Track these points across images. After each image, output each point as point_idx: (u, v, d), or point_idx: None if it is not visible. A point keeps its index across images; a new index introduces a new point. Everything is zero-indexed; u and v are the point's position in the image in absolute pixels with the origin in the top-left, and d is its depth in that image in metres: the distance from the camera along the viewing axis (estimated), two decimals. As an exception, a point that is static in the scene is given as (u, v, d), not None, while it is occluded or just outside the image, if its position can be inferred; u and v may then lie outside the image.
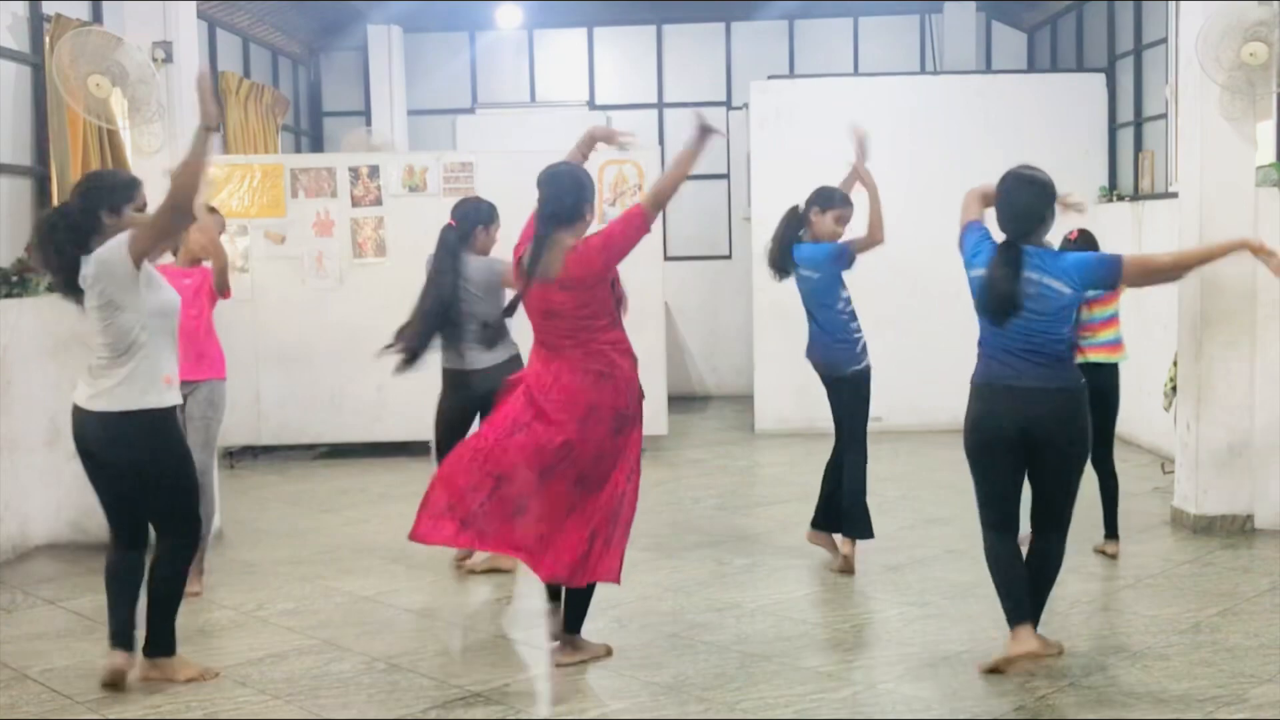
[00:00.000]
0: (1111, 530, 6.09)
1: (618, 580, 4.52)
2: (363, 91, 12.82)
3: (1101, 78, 10.34)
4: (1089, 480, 5.01)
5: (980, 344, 4.45)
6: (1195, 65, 6.45)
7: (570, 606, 4.68)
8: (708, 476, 8.57)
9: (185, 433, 4.82)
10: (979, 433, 4.40)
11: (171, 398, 4.36)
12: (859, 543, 5.87)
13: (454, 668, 4.68)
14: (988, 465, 4.40)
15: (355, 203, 9.22)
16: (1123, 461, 6.06)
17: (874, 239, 5.81)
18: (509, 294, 5.39)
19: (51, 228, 4.29)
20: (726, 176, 12.48)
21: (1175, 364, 6.89)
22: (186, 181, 4.12)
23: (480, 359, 5.93)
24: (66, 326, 6.72)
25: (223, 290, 5.69)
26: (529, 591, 5.75)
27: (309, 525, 7.24)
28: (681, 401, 9.97)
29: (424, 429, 9.42)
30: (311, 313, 9.21)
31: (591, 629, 5.12)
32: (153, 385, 4.28)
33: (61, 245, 4.25)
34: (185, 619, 5.33)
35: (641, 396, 4.60)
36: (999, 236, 4.53)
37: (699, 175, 12.65)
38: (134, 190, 4.38)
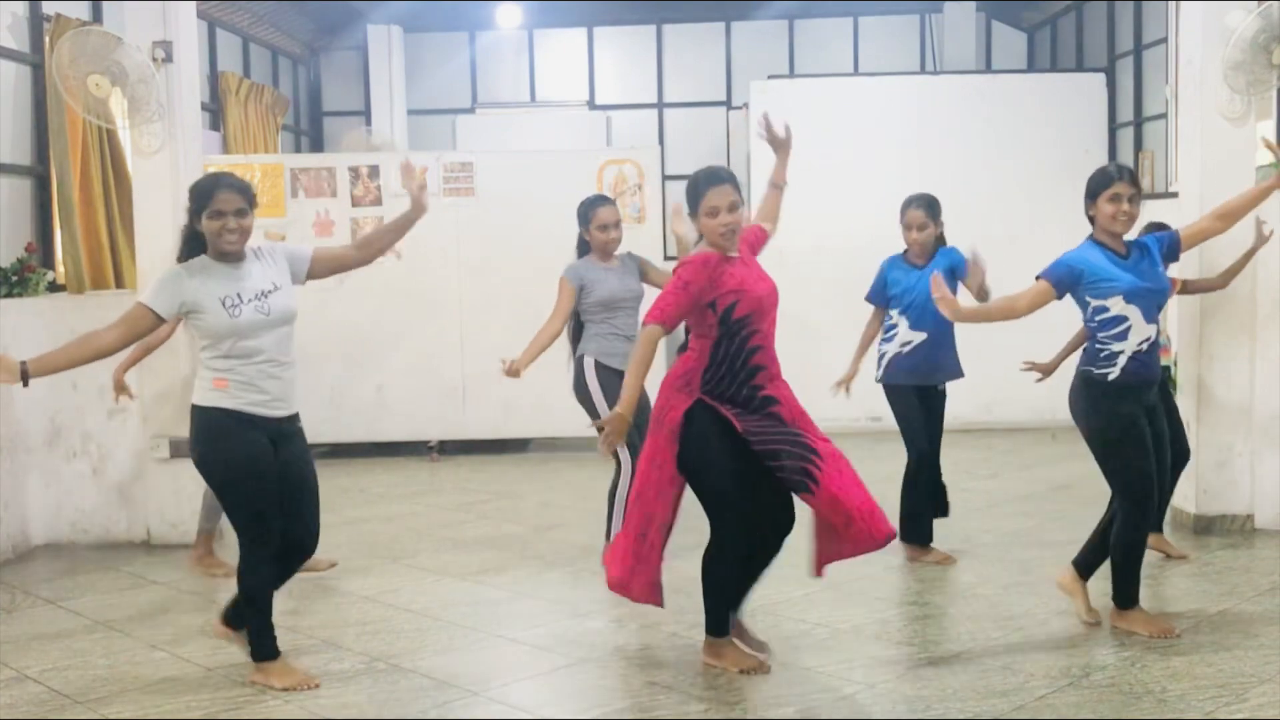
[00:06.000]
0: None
1: None
2: (363, 91, 12.83)
3: (1101, 78, 10.34)
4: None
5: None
6: (1195, 65, 6.45)
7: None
8: (708, 476, 8.54)
9: None
10: None
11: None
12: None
13: (454, 668, 4.68)
14: None
15: (355, 203, 9.23)
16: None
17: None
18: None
19: None
20: (726, 176, 12.46)
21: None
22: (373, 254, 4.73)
23: None
24: (67, 326, 6.73)
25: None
26: (529, 591, 5.75)
27: (309, 525, 7.22)
28: (681, 401, 9.97)
29: (424, 429, 9.51)
30: (311, 313, 9.11)
31: (592, 629, 5.13)
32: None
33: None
34: (186, 618, 5.36)
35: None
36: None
37: (699, 175, 12.70)
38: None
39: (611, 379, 5.91)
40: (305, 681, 4.43)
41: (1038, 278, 4.77)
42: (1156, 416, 4.94)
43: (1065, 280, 4.73)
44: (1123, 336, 4.70)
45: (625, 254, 6.18)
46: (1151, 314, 4.75)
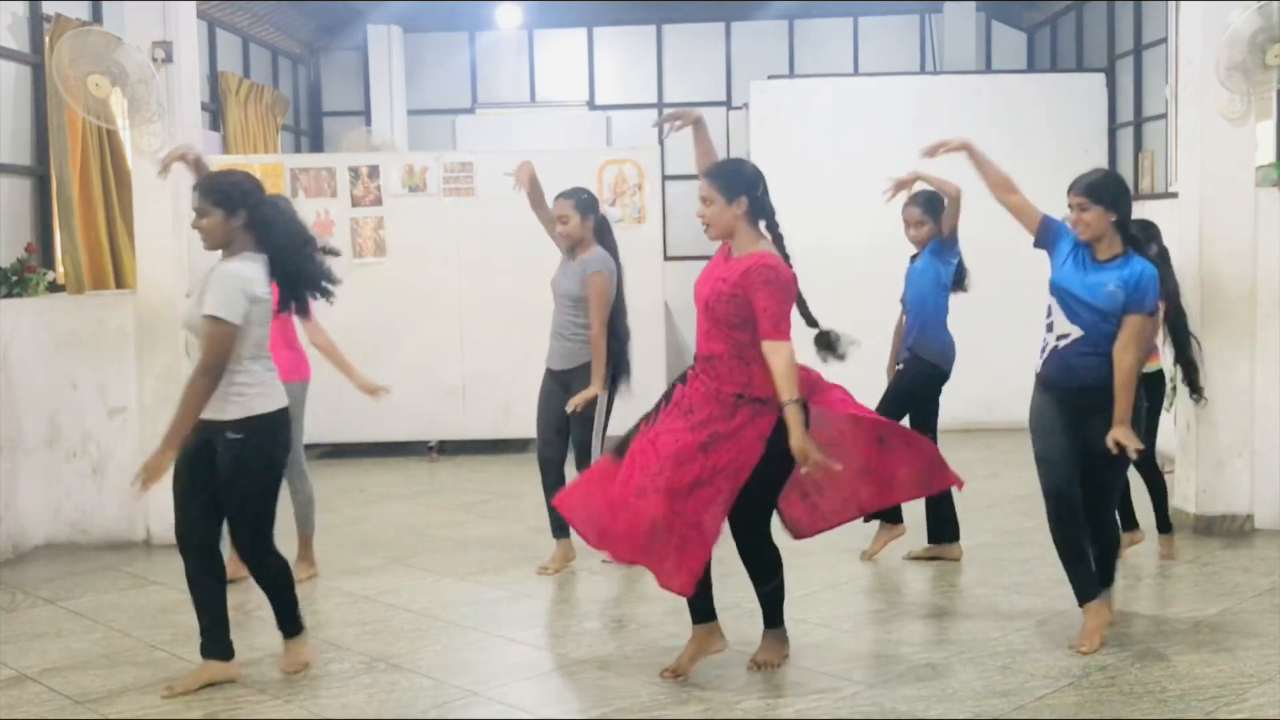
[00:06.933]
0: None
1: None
2: (363, 91, 12.82)
3: (1101, 78, 10.33)
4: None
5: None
6: (1195, 65, 6.45)
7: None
8: (708, 476, 8.54)
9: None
10: None
11: None
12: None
13: (454, 668, 4.68)
14: None
15: (355, 203, 9.22)
16: (1123, 461, 6.07)
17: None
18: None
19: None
20: (726, 176, 12.45)
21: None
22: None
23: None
24: (66, 327, 6.74)
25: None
26: (529, 591, 5.76)
27: (309, 525, 7.22)
28: (681, 401, 9.96)
29: (424, 429, 9.51)
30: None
31: (591, 629, 5.14)
32: None
33: None
34: (186, 618, 5.33)
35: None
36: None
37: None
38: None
39: (544, 377, 6.05)
40: (174, 686, 4.43)
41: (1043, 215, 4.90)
42: (1093, 435, 4.60)
43: (1047, 231, 4.86)
44: (1049, 327, 4.76)
45: (595, 259, 5.80)
46: (1076, 316, 4.62)
